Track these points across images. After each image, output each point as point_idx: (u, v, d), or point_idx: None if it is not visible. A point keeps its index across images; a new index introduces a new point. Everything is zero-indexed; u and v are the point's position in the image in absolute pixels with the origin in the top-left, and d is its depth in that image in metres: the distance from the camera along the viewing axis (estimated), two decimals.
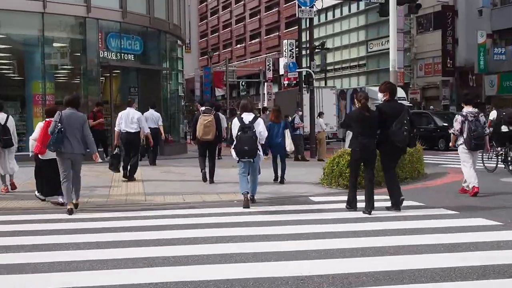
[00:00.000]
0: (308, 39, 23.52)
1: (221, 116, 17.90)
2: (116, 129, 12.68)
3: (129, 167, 12.70)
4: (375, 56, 45.83)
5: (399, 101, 9.42)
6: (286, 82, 48.95)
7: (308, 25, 23.60)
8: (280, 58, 55.88)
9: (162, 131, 16.81)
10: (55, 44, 18.77)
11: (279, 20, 64.63)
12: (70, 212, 8.51)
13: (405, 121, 8.20)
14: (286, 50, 47.31)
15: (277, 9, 65.24)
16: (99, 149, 17.61)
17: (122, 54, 19.77)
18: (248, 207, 8.86)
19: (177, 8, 23.44)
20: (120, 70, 21.05)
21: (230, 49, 74.27)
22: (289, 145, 12.90)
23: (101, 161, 17.53)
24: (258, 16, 69.63)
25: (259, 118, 9.42)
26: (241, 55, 72.29)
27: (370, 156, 8.36)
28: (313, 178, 12.52)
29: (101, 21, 18.60)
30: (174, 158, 19.26)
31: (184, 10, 25.85)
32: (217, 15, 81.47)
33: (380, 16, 23.10)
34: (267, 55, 59.32)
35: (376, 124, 8.29)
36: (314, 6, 22.91)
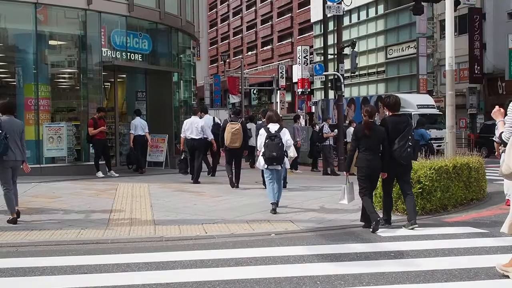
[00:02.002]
0: (335, 41, 21.27)
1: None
2: (182, 135, 13.67)
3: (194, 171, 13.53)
4: (395, 62, 43.42)
5: (404, 115, 8.80)
6: (300, 90, 46.74)
7: (336, 25, 21.39)
8: (293, 65, 53.62)
9: (149, 138, 16.79)
10: (50, 42, 16.25)
11: (292, 26, 62.32)
12: (14, 221, 8.08)
13: (409, 137, 7.80)
14: (300, 57, 45.13)
15: (290, 15, 62.93)
16: (100, 162, 15.52)
17: (128, 54, 17.29)
18: (275, 213, 9.09)
19: (190, 4, 21.04)
20: (125, 71, 18.53)
21: (240, 56, 71.97)
22: (292, 152, 12.21)
23: (103, 176, 15.31)
24: (270, 23, 67.36)
25: (284, 128, 9.74)
26: (252, 63, 69.92)
27: (376, 173, 7.99)
28: (356, 199, 10.09)
29: (104, 15, 16.11)
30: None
31: (198, 7, 23.41)
32: (227, 21, 79.29)
33: (414, 14, 21.07)
34: (280, 62, 57.01)
35: (383, 140, 7.84)
36: (342, 3, 20.70)
